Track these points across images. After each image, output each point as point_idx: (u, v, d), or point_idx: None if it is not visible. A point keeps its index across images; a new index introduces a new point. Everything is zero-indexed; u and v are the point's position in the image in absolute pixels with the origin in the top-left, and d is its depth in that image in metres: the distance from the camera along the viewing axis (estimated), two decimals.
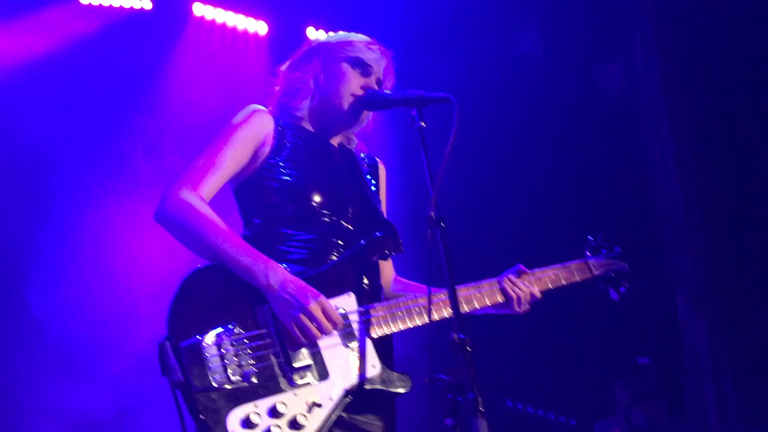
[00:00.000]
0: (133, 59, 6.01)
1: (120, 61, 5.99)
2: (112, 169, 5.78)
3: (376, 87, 2.87)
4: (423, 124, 2.53)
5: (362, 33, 3.02)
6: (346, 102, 2.84)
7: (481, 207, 6.46)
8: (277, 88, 2.97)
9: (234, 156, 2.67)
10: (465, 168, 5.81)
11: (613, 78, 6.55)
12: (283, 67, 3.01)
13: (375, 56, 2.90)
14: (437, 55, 6.47)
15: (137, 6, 6.06)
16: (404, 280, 3.00)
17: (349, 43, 2.91)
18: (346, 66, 2.86)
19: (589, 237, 3.21)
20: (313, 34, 6.38)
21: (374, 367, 2.49)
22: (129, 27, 6.10)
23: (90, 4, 5.99)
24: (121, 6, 6.04)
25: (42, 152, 5.58)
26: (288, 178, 2.70)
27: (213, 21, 6.29)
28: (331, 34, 3.12)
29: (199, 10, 6.22)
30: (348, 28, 3.20)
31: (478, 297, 2.79)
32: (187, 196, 2.52)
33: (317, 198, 2.69)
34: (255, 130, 2.73)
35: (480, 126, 6.09)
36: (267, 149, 2.73)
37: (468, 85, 6.04)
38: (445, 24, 6.39)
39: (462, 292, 2.74)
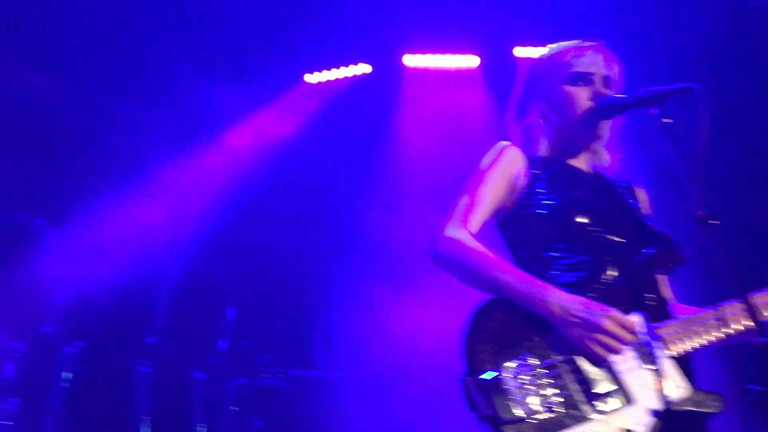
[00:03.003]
0: (362, 120, 6.49)
1: (351, 124, 6.49)
2: (353, 235, 6.21)
3: (604, 90, 2.77)
4: (669, 120, 2.43)
5: (569, 33, 2.96)
6: (581, 121, 2.79)
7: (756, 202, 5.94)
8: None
9: (493, 192, 2.73)
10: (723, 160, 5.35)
11: None
12: (508, 115, 2.99)
13: (589, 59, 2.80)
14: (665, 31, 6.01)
15: (359, 72, 6.56)
16: (680, 304, 2.80)
17: (559, 59, 2.83)
18: (566, 88, 2.80)
19: None
20: (522, 52, 6.44)
21: (680, 387, 2.38)
22: (353, 93, 6.61)
23: (318, 81, 6.62)
24: (345, 76, 6.58)
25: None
26: (549, 202, 2.71)
27: (426, 68, 6.60)
28: (540, 52, 3.03)
29: (410, 60, 6.56)
30: (555, 36, 3.10)
31: None
32: (457, 233, 2.59)
33: (581, 218, 2.66)
34: (507, 164, 2.78)
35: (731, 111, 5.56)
36: (522, 181, 2.77)
37: (707, 61, 5.61)
38: None
39: (761, 298, 2.50)
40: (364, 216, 6.25)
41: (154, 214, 5.88)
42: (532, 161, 2.82)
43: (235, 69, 6.15)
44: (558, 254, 2.66)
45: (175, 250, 5.72)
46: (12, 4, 5.56)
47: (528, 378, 2.35)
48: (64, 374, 5.00)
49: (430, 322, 5.51)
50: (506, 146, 2.84)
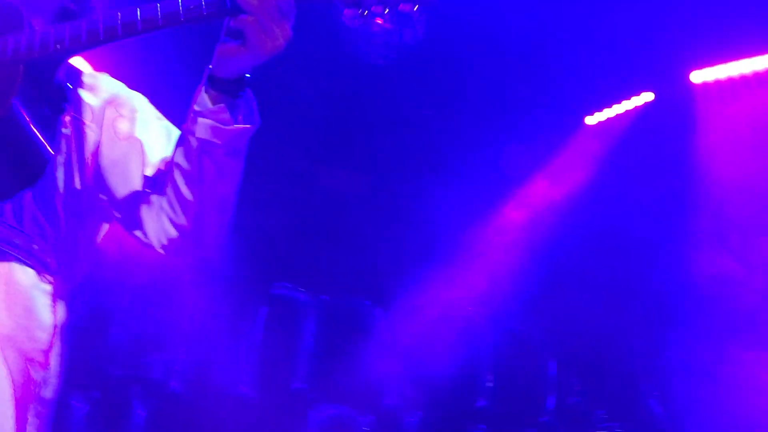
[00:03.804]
0: (657, 153, 6.08)
1: (645, 161, 6.11)
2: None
3: None
4: None
5: None
6: None
7: None
8: None
9: None
10: None
11: None
12: None
13: None
14: None
15: (641, 102, 6.21)
16: None
17: None
18: None
19: None
20: None
21: None
22: (641, 125, 6.25)
23: (599, 122, 6.37)
24: (626, 110, 6.27)
25: None
26: None
27: (716, 81, 6.07)
28: None
29: (697, 77, 6.08)
30: None
31: None
32: None
33: None
34: None
35: None
36: None
37: None
38: None
39: None
40: (686, 253, 5.73)
41: (472, 283, 5.93)
42: None
43: (517, 124, 6.09)
44: None
45: (495, 313, 5.70)
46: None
47: None
48: None
49: None
50: None
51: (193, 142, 1.77)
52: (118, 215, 1.95)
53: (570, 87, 5.99)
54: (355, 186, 6.55)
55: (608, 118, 6.42)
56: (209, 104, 1.73)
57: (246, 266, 5.58)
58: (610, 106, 6.35)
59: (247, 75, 1.74)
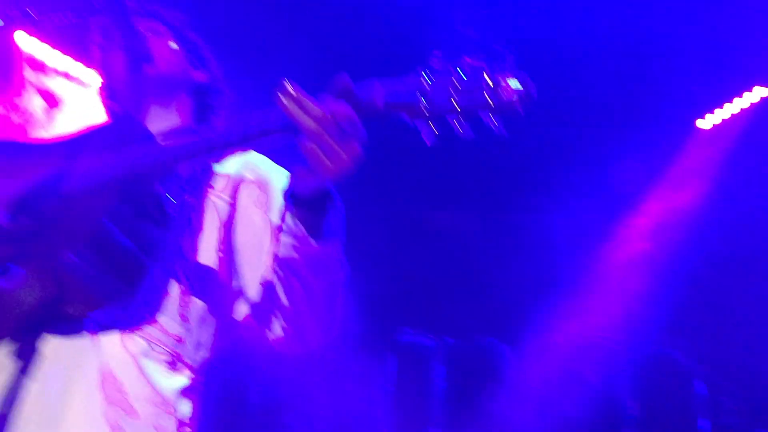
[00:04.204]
0: None
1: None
2: None
3: None
4: None
5: None
6: None
7: None
8: None
9: None
10: None
11: None
12: None
13: None
14: None
15: (756, 99, 5.90)
16: None
17: None
18: None
19: None
20: None
21: None
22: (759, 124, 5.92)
23: (713, 125, 6.09)
24: (740, 109, 5.97)
25: None
26: None
27: None
28: None
29: None
30: None
31: None
32: None
33: None
34: None
35: None
36: None
37: None
38: None
39: None
40: None
41: (602, 309, 5.73)
42: None
43: (626, 138, 5.88)
44: None
45: (631, 337, 5.47)
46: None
47: None
48: None
49: None
50: None
51: (279, 255, 1.75)
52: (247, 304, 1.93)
53: (676, 91, 5.74)
54: (469, 224, 6.50)
55: (722, 120, 6.12)
56: (290, 222, 1.70)
57: (369, 316, 5.61)
58: (721, 107, 6.06)
59: (329, 189, 1.66)
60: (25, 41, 4.02)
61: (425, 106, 1.46)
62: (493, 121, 1.44)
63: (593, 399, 5.40)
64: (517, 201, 6.13)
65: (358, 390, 5.89)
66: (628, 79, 5.47)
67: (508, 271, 6.03)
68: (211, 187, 1.99)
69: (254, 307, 1.90)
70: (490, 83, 1.43)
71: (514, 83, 1.43)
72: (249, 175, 2.02)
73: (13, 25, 1.86)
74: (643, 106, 5.72)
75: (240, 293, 1.94)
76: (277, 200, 1.96)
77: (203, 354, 1.94)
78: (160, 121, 2.11)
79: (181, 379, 1.87)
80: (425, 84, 1.47)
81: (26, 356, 1.69)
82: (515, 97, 1.42)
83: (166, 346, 1.84)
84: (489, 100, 1.43)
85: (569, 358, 5.59)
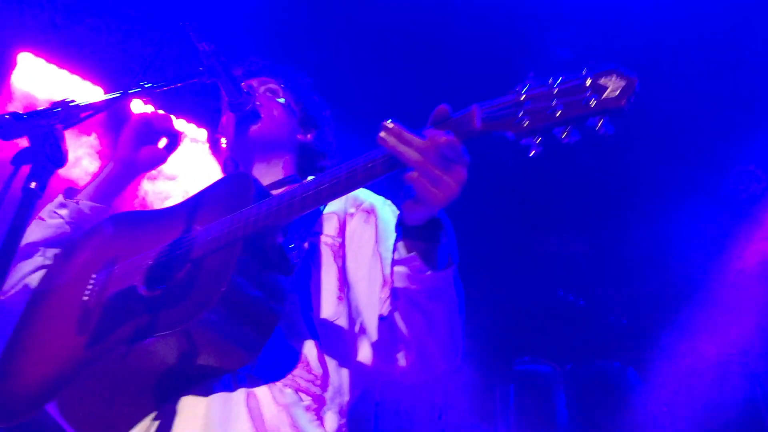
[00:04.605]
0: None
1: None
2: None
3: None
4: None
5: None
6: None
7: None
8: None
9: None
10: None
11: None
12: None
13: None
14: None
15: None
16: None
17: None
18: None
19: None
20: None
21: None
22: None
23: None
24: None
25: None
26: None
27: None
28: None
29: None
30: None
31: None
32: None
33: None
34: None
35: None
36: None
37: None
38: None
39: None
40: None
41: (728, 323, 5.44)
42: None
43: (738, 146, 5.60)
44: None
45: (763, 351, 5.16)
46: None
47: None
48: None
49: None
50: None
51: (395, 287, 1.77)
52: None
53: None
54: (578, 245, 6.34)
55: None
56: (403, 252, 1.71)
57: (486, 347, 5.54)
58: None
59: (439, 217, 1.68)
60: (140, 108, 4.25)
61: (524, 119, 1.47)
62: (598, 123, 1.43)
63: (729, 419, 5.10)
64: (629, 216, 5.91)
65: (478, 421, 5.80)
66: (745, 80, 5.25)
67: (622, 290, 5.84)
68: (321, 232, 2.03)
69: (376, 345, 1.92)
70: (589, 84, 1.43)
71: (613, 79, 1.42)
72: (352, 209, 2.07)
73: (128, 95, 1.96)
74: (753, 107, 5.46)
75: (362, 332, 1.95)
76: (384, 227, 2.01)
77: (345, 398, 1.94)
78: (264, 176, 2.18)
79: (330, 425, 1.87)
80: (522, 98, 1.49)
81: (167, 417, 1.75)
82: (617, 92, 1.40)
83: (312, 394, 1.86)
84: (591, 102, 1.42)
85: (699, 377, 5.31)
